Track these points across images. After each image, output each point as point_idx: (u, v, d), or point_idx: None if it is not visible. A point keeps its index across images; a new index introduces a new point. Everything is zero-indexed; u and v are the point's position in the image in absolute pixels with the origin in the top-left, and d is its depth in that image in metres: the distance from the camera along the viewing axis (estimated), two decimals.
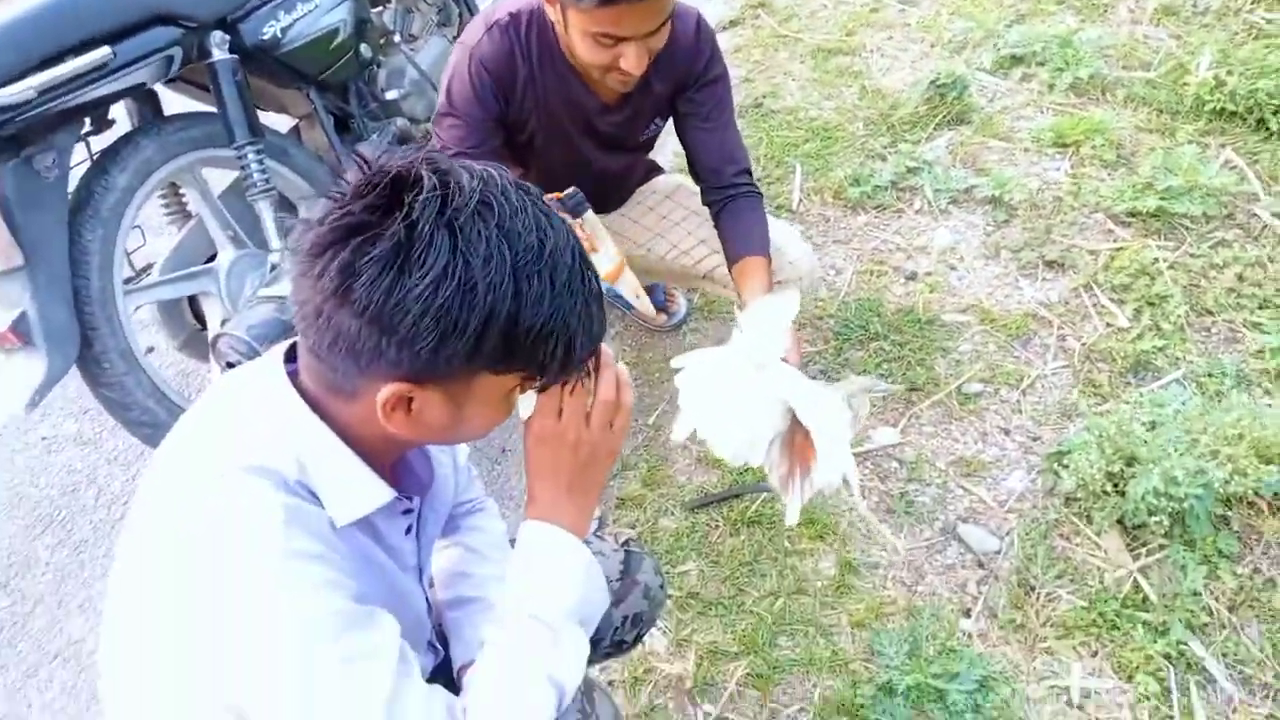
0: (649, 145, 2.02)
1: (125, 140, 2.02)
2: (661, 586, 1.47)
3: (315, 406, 0.91)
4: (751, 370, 1.32)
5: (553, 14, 1.56)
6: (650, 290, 2.41)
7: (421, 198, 0.79)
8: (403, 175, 0.80)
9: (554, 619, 0.96)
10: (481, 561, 1.29)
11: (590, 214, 1.77)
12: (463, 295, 0.79)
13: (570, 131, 1.82)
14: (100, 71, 1.81)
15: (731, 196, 1.84)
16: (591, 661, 1.10)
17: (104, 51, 1.80)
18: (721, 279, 1.96)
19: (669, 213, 2.07)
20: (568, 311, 0.85)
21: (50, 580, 2.26)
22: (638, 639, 1.43)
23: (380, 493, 0.95)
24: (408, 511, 1.05)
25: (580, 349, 0.89)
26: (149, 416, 1.97)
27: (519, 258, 0.81)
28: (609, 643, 1.35)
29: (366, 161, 0.82)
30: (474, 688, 0.92)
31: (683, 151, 1.92)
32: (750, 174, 1.87)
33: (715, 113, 1.82)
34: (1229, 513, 1.77)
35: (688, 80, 1.78)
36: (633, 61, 1.53)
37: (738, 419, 1.33)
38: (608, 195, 2.06)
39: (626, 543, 1.48)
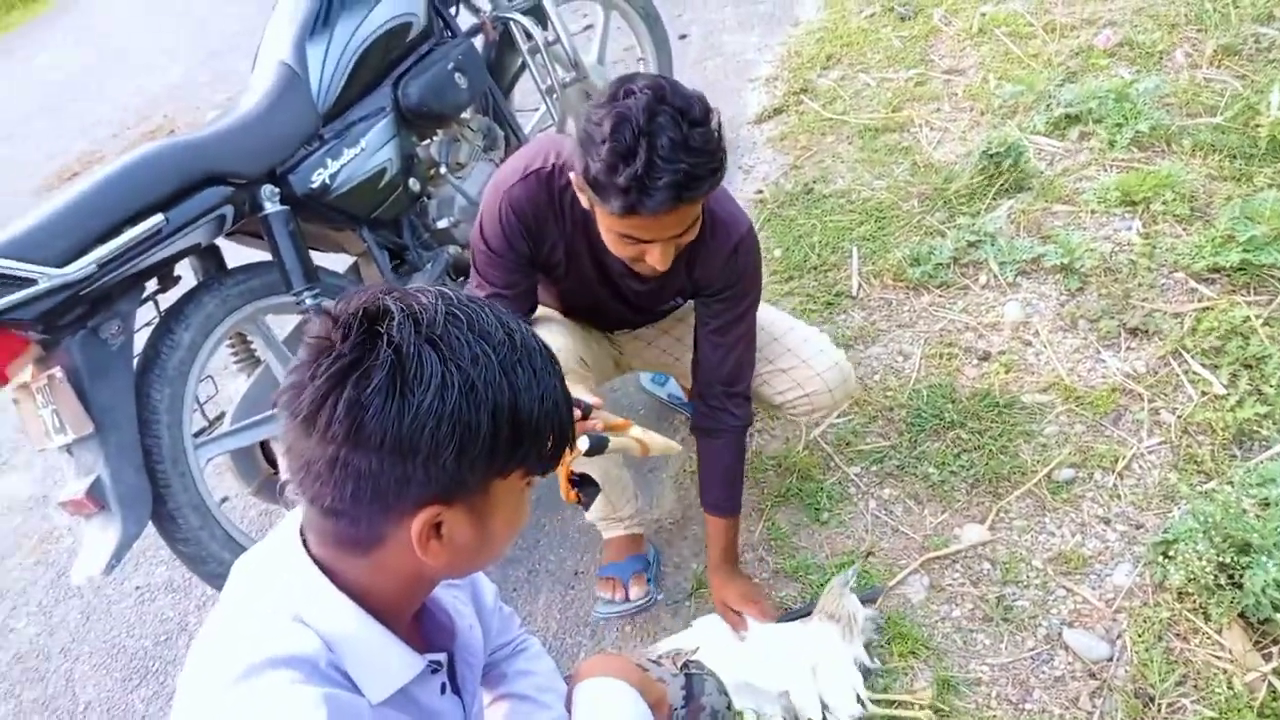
0: (671, 311, 2.03)
1: (187, 298, 2.08)
2: (729, 707, 1.48)
3: (331, 574, 0.91)
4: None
5: (583, 199, 1.54)
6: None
7: (395, 323, 0.83)
8: (370, 309, 0.84)
9: None
10: (536, 709, 1.26)
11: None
12: (466, 397, 0.83)
13: (596, 289, 1.85)
14: (156, 238, 1.87)
15: (717, 426, 1.87)
16: None
17: (157, 219, 1.86)
18: (753, 392, 1.95)
19: (682, 335, 2.06)
20: (553, 393, 0.91)
21: None
22: None
23: (412, 662, 0.96)
24: (436, 670, 1.03)
25: (568, 430, 0.95)
26: (225, 568, 1.94)
27: (499, 352, 0.86)
28: None
29: (326, 311, 0.85)
30: None
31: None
32: (748, 399, 1.88)
33: (731, 327, 1.80)
34: None
35: (713, 289, 1.77)
36: (657, 259, 1.53)
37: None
38: (628, 325, 2.09)
39: (685, 665, 1.44)
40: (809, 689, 1.71)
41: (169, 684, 2.37)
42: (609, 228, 1.52)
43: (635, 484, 2.14)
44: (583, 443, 1.46)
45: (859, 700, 1.68)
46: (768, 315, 1.96)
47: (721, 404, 1.84)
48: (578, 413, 1.47)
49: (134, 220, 1.85)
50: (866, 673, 1.74)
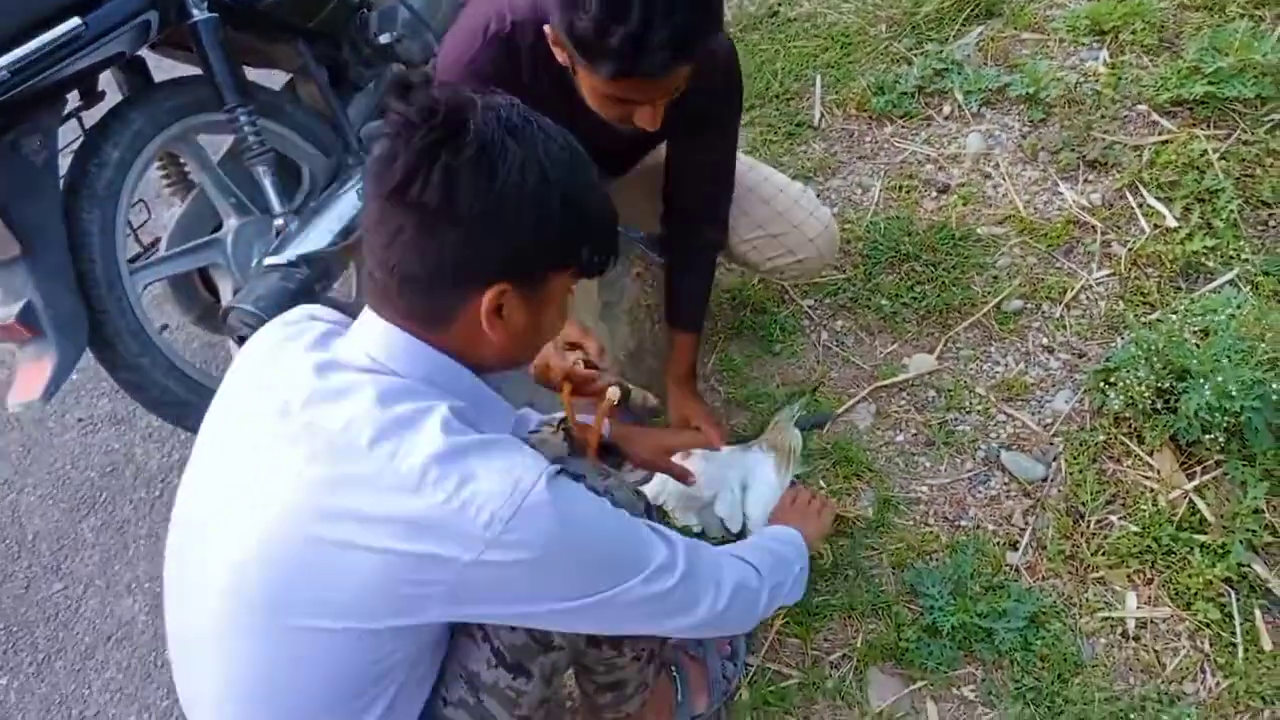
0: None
1: (113, 114, 1.95)
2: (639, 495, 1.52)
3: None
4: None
5: (560, 55, 1.39)
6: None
7: (478, 110, 0.91)
8: (452, 97, 0.91)
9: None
10: None
11: None
12: (542, 183, 0.92)
13: None
14: (74, 44, 1.73)
15: (695, 252, 1.81)
16: None
17: (74, 23, 1.72)
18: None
19: (649, 187, 1.96)
20: (606, 200, 1.02)
21: (98, 562, 2.29)
22: None
23: (508, 411, 1.11)
24: None
25: (616, 241, 1.06)
26: (169, 396, 1.95)
27: (564, 153, 0.96)
28: None
29: (406, 87, 0.92)
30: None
31: None
32: (725, 223, 1.80)
33: (713, 156, 1.71)
34: None
35: (699, 123, 1.62)
36: (649, 120, 1.41)
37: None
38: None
39: (563, 424, 1.53)
40: (735, 500, 1.76)
41: (117, 513, 2.38)
42: (594, 88, 1.37)
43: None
44: (614, 392, 1.55)
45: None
46: (757, 174, 1.88)
47: (698, 232, 1.79)
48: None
49: (49, 23, 1.70)
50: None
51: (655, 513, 1.29)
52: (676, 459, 1.64)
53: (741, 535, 1.74)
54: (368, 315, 1.01)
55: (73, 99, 1.92)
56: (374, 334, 0.99)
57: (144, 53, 2.03)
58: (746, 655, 1.65)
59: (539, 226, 0.93)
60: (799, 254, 1.88)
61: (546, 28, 1.38)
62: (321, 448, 0.92)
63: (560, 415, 1.56)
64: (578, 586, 0.97)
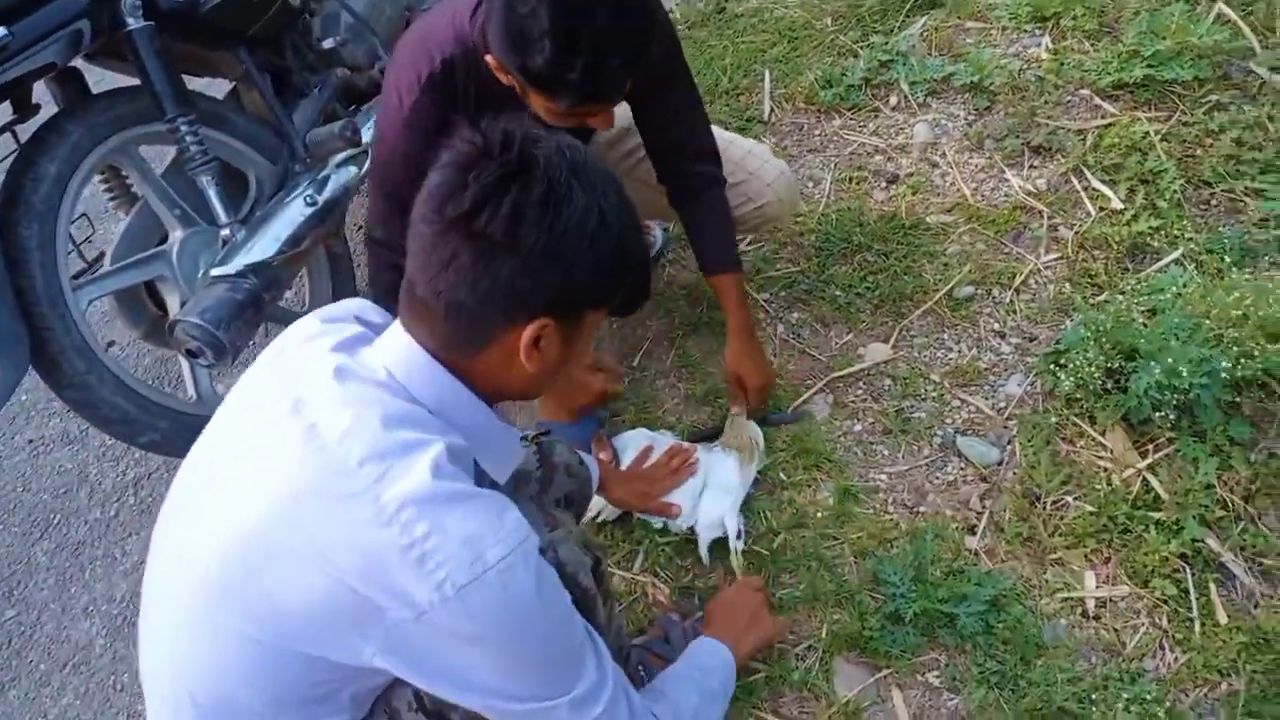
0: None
1: (48, 127, 1.91)
2: (581, 463, 1.60)
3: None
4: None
5: (505, 79, 1.39)
6: None
7: (548, 153, 0.93)
8: (527, 136, 0.94)
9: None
10: None
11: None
12: (602, 224, 0.95)
13: None
14: (0, 55, 1.69)
15: (699, 185, 1.78)
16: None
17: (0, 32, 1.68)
18: None
19: (633, 149, 1.95)
20: (644, 246, 1.07)
21: (53, 586, 2.24)
22: (577, 519, 1.58)
23: (521, 447, 1.16)
24: None
25: (648, 283, 1.15)
26: (117, 413, 1.91)
27: (618, 198, 0.99)
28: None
29: (479, 129, 0.95)
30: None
31: None
32: (716, 155, 1.80)
33: (673, 96, 1.70)
34: (1239, 398, 1.68)
35: (647, 83, 1.59)
36: (603, 123, 1.43)
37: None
38: None
39: (536, 438, 1.56)
40: (693, 498, 1.77)
41: (71, 535, 2.33)
42: (549, 110, 1.37)
43: None
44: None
45: (722, 524, 1.74)
46: None
47: (694, 167, 1.78)
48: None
49: None
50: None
51: (605, 560, 1.27)
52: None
53: (692, 531, 1.76)
54: (396, 330, 1.02)
55: (4, 112, 1.88)
56: (397, 349, 1.00)
57: (80, 64, 1.99)
58: None
59: (594, 267, 0.96)
60: (758, 200, 1.90)
61: (489, 58, 1.38)
62: (315, 455, 0.91)
63: (531, 431, 1.57)
64: (507, 680, 0.95)
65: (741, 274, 1.86)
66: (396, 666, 0.93)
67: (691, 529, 1.76)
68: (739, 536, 1.73)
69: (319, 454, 0.91)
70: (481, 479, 1.06)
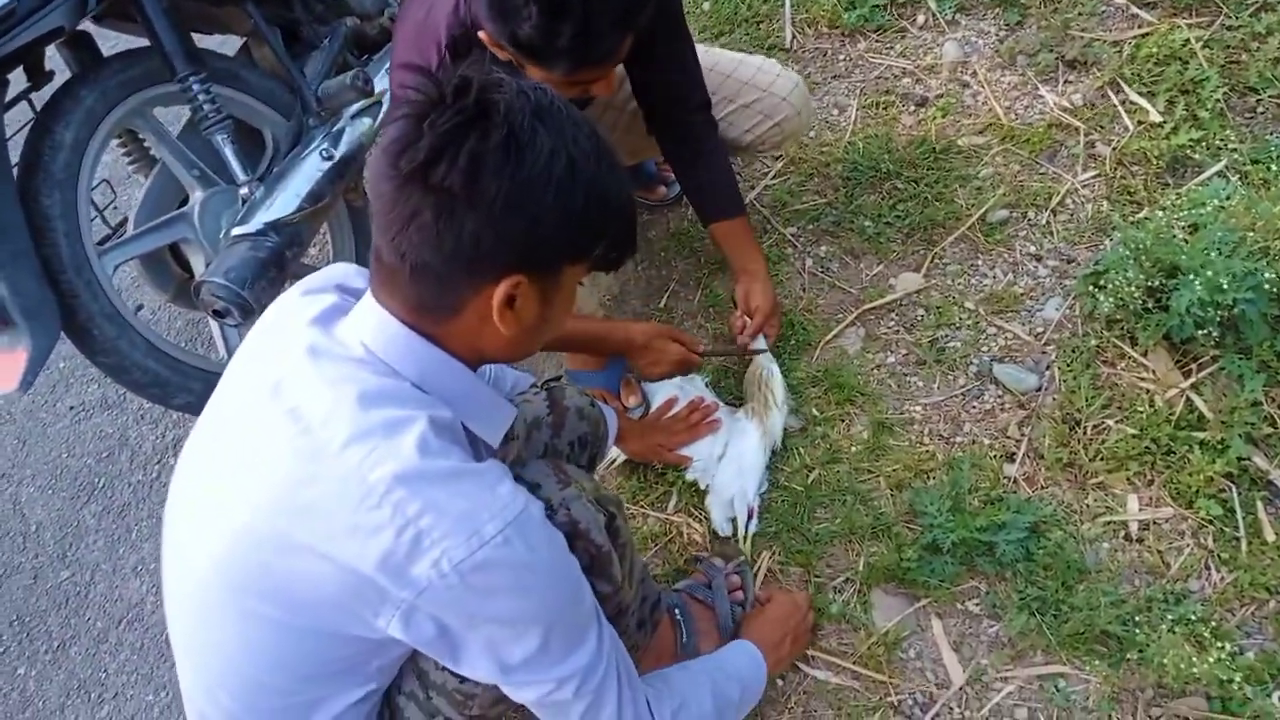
0: None
1: (63, 93, 1.91)
2: (592, 404, 1.57)
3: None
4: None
5: (503, 55, 1.35)
6: (639, 166, 2.27)
7: (509, 97, 0.87)
8: (481, 79, 0.88)
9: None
10: None
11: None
12: (570, 170, 0.88)
13: None
14: (6, 21, 1.67)
15: (699, 137, 1.75)
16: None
17: None
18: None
19: (614, 120, 1.92)
20: (628, 191, 0.98)
21: (102, 547, 2.30)
22: (592, 461, 1.58)
23: (509, 409, 1.09)
24: None
25: (634, 231, 1.02)
26: (150, 376, 1.93)
27: (590, 141, 0.92)
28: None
29: (427, 73, 0.92)
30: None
31: None
32: (710, 105, 1.76)
33: (673, 48, 1.66)
34: None
35: (646, 39, 1.54)
36: (604, 89, 1.39)
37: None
38: None
39: (547, 384, 1.55)
40: (709, 473, 1.76)
41: (116, 498, 2.38)
42: (547, 79, 1.32)
43: None
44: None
45: (733, 504, 1.73)
46: (711, 56, 1.85)
47: (693, 118, 1.76)
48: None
49: None
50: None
51: (620, 514, 1.24)
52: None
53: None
54: (368, 301, 0.97)
55: (18, 80, 1.87)
56: (372, 323, 0.96)
57: (89, 27, 1.97)
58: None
59: (562, 217, 0.90)
60: (775, 116, 1.86)
61: (482, 34, 1.34)
62: (300, 440, 0.90)
63: (547, 377, 1.56)
64: (502, 651, 0.94)
65: (745, 214, 1.85)
66: (408, 640, 0.93)
67: (707, 487, 1.76)
68: (750, 518, 1.71)
69: (304, 438, 0.89)
70: (475, 445, 1.04)
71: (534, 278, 0.92)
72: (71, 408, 2.65)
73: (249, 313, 1.91)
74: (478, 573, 0.86)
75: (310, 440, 0.89)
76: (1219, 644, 1.35)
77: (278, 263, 1.95)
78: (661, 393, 1.89)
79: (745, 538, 1.69)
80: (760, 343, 1.83)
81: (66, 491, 2.45)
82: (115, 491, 2.40)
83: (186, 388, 1.97)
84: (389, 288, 0.95)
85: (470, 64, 0.92)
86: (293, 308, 1.03)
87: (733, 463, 1.73)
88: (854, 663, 1.54)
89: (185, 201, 2.11)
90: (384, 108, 2.21)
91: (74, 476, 2.48)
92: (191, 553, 0.99)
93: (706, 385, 1.90)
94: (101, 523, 2.35)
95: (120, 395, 2.61)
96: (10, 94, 1.84)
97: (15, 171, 1.80)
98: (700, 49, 1.76)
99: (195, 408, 1.99)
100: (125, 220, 2.17)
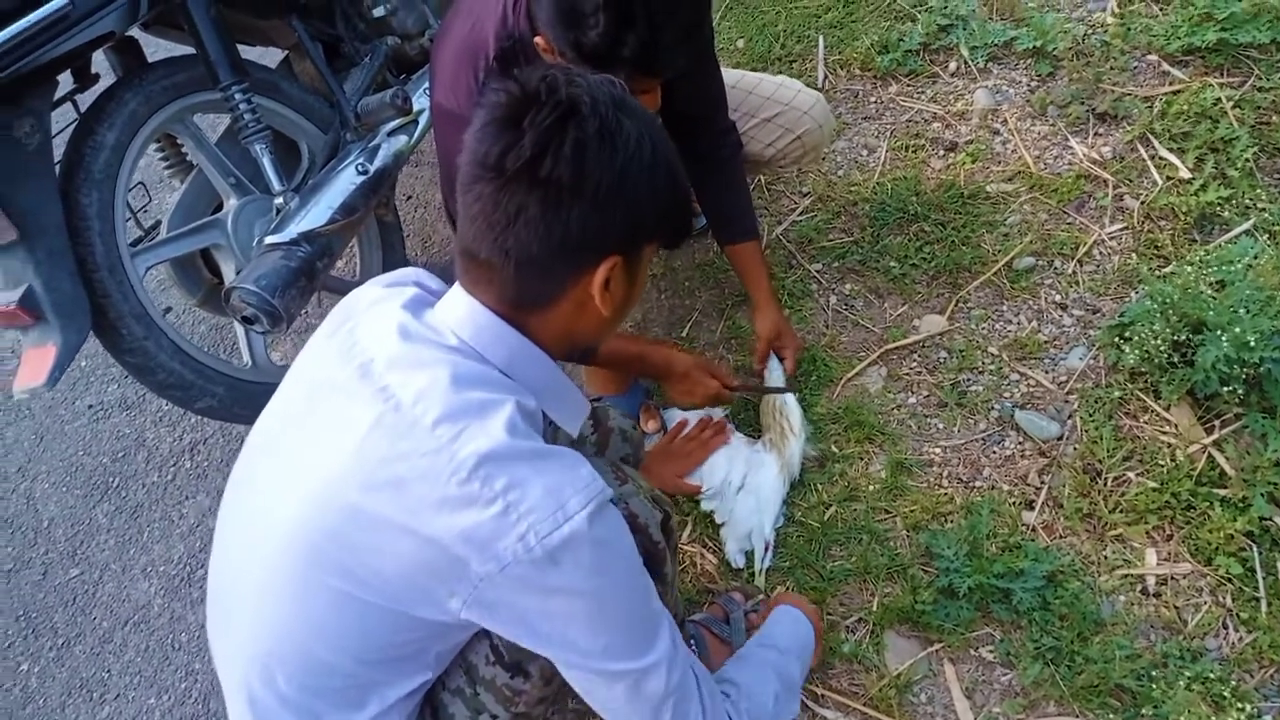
0: None
1: (107, 96, 1.93)
2: (634, 427, 1.62)
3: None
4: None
5: (551, 59, 1.37)
6: None
7: (592, 90, 0.92)
8: (568, 77, 0.92)
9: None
10: None
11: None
12: (654, 155, 0.94)
13: None
14: (62, 24, 1.70)
15: (719, 151, 1.78)
16: None
17: (61, 2, 1.69)
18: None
19: None
20: (684, 173, 1.01)
21: (113, 547, 2.30)
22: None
23: (585, 401, 1.13)
24: None
25: (691, 213, 1.10)
26: (175, 378, 1.94)
27: (659, 128, 0.97)
28: None
29: (509, 76, 0.93)
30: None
31: None
32: (734, 127, 1.80)
33: (701, 66, 1.68)
34: None
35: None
36: (651, 103, 1.41)
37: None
38: None
39: (594, 402, 1.58)
40: (726, 504, 1.76)
41: (130, 498, 2.39)
42: None
43: None
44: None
45: (749, 538, 1.73)
46: (732, 74, 1.88)
47: (718, 139, 1.78)
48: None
49: (36, 3, 1.68)
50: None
51: (673, 515, 1.26)
52: None
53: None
54: (458, 292, 1.01)
55: (65, 81, 1.90)
56: (463, 312, 0.99)
57: (137, 33, 2.01)
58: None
59: (654, 198, 0.95)
60: (797, 130, 1.89)
61: (538, 40, 1.36)
62: (389, 417, 0.92)
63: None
64: (585, 632, 0.95)
65: (760, 239, 1.89)
66: (482, 618, 0.94)
67: (724, 522, 1.76)
68: (765, 551, 1.71)
69: (394, 415, 0.91)
70: (550, 439, 1.06)
71: (625, 258, 0.97)
72: (90, 406, 2.66)
73: (277, 320, 1.93)
74: (563, 548, 0.88)
75: (401, 417, 0.91)
76: (1239, 704, 1.34)
77: (308, 273, 1.97)
78: (680, 417, 1.89)
79: (760, 572, 1.69)
80: (778, 380, 1.83)
81: (81, 489, 2.46)
82: (129, 492, 2.41)
83: (209, 391, 1.98)
84: (482, 285, 0.98)
85: (537, 67, 0.95)
86: (376, 295, 1.06)
87: (751, 495, 1.73)
88: (864, 704, 1.53)
89: (219, 208, 2.13)
90: (420, 126, 2.24)
91: (89, 475, 2.49)
92: (262, 525, 1.00)
93: (726, 416, 1.91)
94: (114, 522, 2.35)
95: (139, 396, 2.62)
96: (56, 95, 1.87)
97: (57, 170, 1.83)
98: (723, 69, 1.79)
99: (216, 412, 2.00)
100: (158, 223, 2.19)
